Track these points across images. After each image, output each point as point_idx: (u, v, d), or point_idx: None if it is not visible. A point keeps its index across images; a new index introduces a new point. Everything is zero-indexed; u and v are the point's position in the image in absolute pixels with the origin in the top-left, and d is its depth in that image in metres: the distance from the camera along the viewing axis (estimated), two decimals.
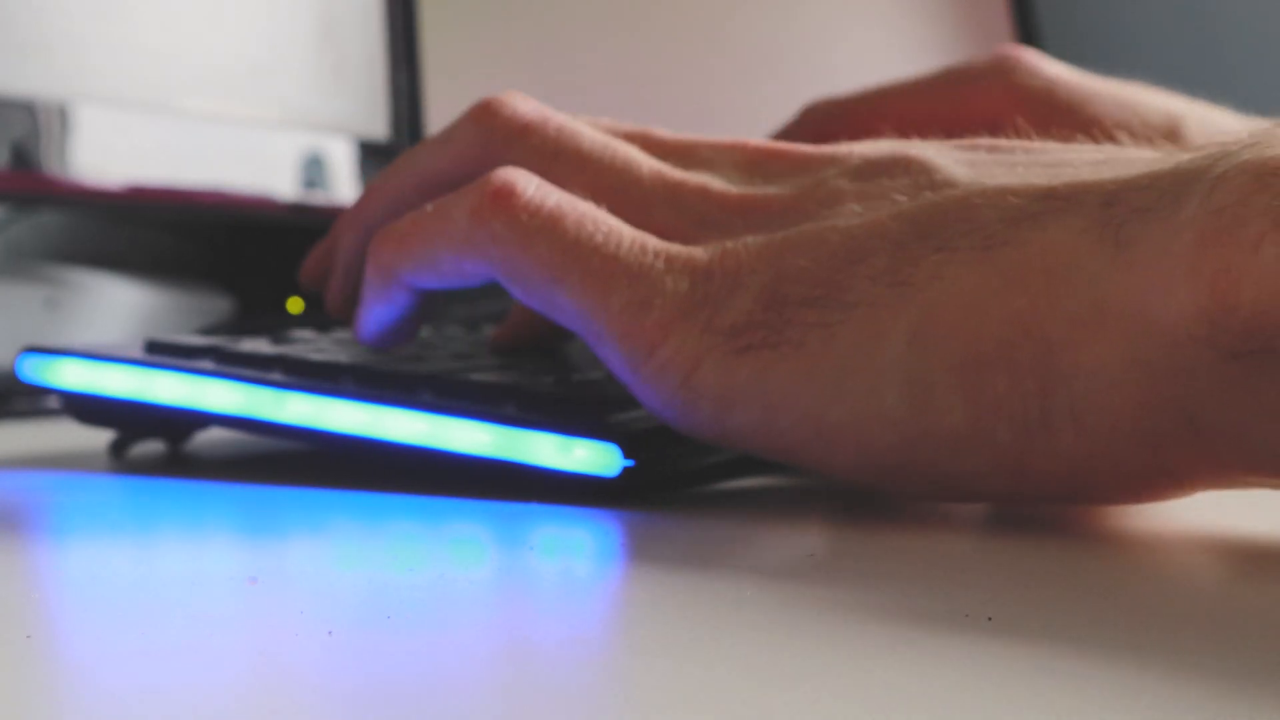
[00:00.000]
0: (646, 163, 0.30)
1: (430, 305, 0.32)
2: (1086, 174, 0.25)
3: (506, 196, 0.28)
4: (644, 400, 0.28)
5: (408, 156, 0.33)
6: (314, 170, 0.63)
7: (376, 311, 0.32)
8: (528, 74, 0.68)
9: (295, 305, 0.71)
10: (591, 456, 0.28)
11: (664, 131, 0.32)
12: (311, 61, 0.63)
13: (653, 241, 0.28)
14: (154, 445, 0.37)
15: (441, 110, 0.65)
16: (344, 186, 0.64)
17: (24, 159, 0.51)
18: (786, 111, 0.44)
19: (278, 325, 0.40)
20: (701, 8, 0.78)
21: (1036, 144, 0.28)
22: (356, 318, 0.33)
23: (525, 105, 0.32)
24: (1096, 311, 0.23)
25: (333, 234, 0.36)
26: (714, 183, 0.30)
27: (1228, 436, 0.23)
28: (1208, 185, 0.22)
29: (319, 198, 0.63)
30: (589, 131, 0.31)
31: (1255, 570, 0.23)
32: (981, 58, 0.41)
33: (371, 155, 0.65)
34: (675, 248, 0.28)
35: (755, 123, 0.75)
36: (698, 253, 0.28)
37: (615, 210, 0.29)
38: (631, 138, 0.32)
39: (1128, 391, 0.23)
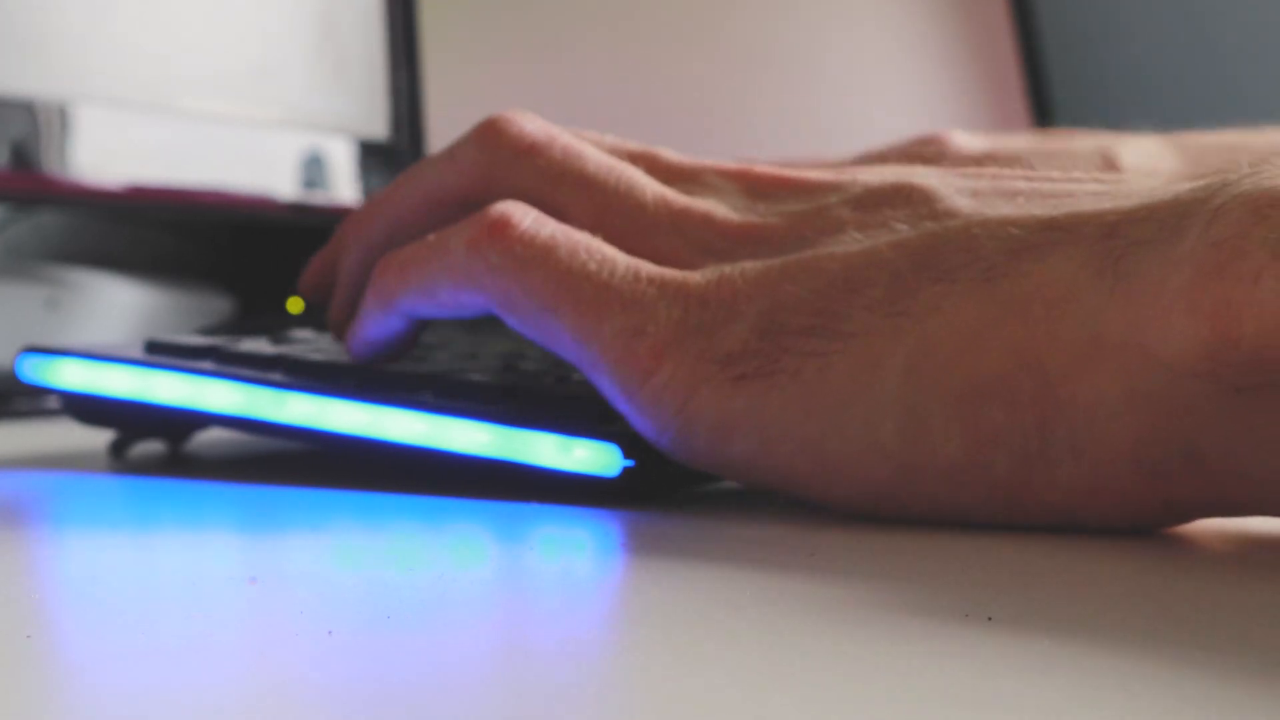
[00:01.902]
0: (651, 187, 0.30)
1: (423, 329, 0.32)
2: (1087, 205, 0.25)
3: (502, 228, 0.28)
4: (640, 429, 0.27)
5: (412, 174, 0.33)
6: (314, 170, 0.63)
7: (371, 333, 0.31)
8: (526, 74, 0.68)
9: (295, 305, 0.71)
10: (591, 456, 0.28)
11: (670, 153, 0.32)
12: (311, 61, 0.63)
13: (646, 268, 0.28)
14: (154, 445, 0.37)
15: (441, 110, 0.65)
16: (344, 186, 0.64)
17: (24, 159, 0.51)
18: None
19: (278, 325, 0.40)
20: (699, 9, 0.78)
21: (1039, 173, 0.28)
22: (350, 334, 0.32)
23: (531, 125, 0.31)
24: (1095, 344, 0.23)
25: (332, 246, 0.35)
26: (718, 209, 0.29)
27: (1229, 469, 0.23)
28: (1206, 217, 0.22)
29: (319, 198, 0.63)
30: (594, 154, 0.31)
31: (1262, 567, 0.23)
32: (909, 139, 0.42)
33: (371, 155, 0.65)
34: (670, 273, 0.28)
35: (750, 121, 0.75)
36: (693, 278, 0.27)
37: (618, 235, 0.29)
38: (637, 158, 0.32)
39: (1126, 424, 0.23)
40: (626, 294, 0.27)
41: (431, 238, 0.30)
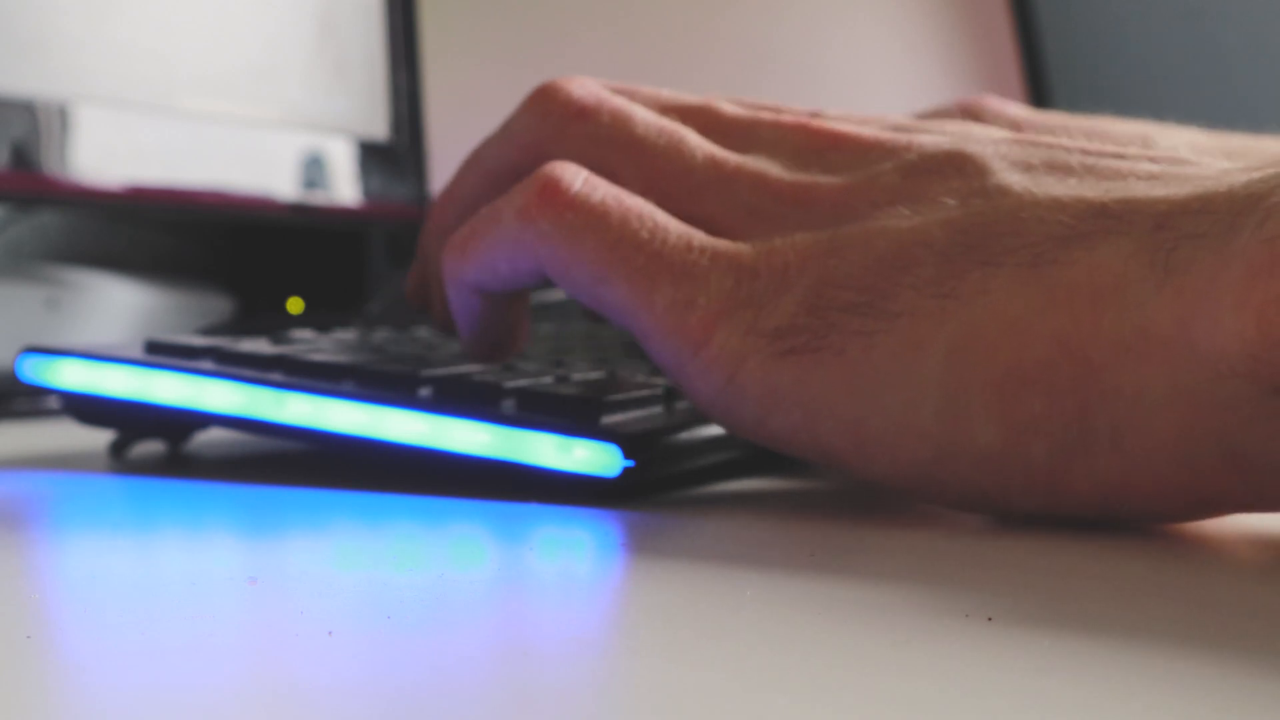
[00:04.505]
0: (701, 148, 0.30)
1: (520, 307, 0.32)
2: (1139, 189, 0.25)
3: (552, 193, 0.28)
4: (691, 397, 0.28)
5: (472, 156, 0.33)
6: (314, 170, 0.63)
7: (459, 317, 0.31)
8: (526, 74, 0.68)
9: (295, 305, 0.71)
10: (591, 456, 0.28)
11: (729, 105, 0.32)
12: (311, 61, 0.63)
13: (698, 237, 0.28)
14: (154, 445, 0.37)
15: (441, 110, 0.65)
16: (344, 187, 0.64)
17: (24, 159, 0.51)
18: None
19: (278, 325, 0.40)
20: (699, 9, 0.78)
21: (1093, 145, 0.28)
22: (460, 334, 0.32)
23: (580, 90, 0.31)
24: (1141, 336, 0.23)
25: (420, 251, 0.35)
26: (770, 170, 0.29)
27: (1267, 469, 0.23)
28: (1261, 214, 0.22)
29: (319, 198, 0.63)
30: (643, 115, 0.30)
31: (1265, 567, 0.23)
32: (945, 103, 0.41)
33: (371, 155, 0.65)
34: (721, 244, 0.28)
35: None
36: (744, 250, 0.27)
37: (667, 197, 0.29)
38: (692, 114, 0.31)
39: (1168, 418, 0.23)
40: (678, 264, 0.27)
41: (485, 209, 0.30)
